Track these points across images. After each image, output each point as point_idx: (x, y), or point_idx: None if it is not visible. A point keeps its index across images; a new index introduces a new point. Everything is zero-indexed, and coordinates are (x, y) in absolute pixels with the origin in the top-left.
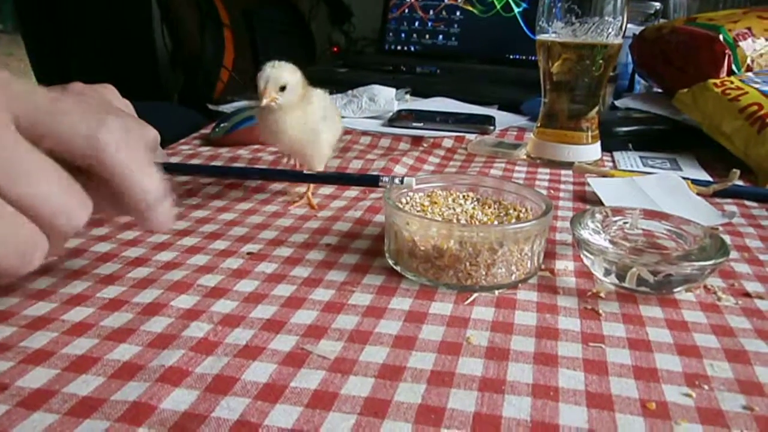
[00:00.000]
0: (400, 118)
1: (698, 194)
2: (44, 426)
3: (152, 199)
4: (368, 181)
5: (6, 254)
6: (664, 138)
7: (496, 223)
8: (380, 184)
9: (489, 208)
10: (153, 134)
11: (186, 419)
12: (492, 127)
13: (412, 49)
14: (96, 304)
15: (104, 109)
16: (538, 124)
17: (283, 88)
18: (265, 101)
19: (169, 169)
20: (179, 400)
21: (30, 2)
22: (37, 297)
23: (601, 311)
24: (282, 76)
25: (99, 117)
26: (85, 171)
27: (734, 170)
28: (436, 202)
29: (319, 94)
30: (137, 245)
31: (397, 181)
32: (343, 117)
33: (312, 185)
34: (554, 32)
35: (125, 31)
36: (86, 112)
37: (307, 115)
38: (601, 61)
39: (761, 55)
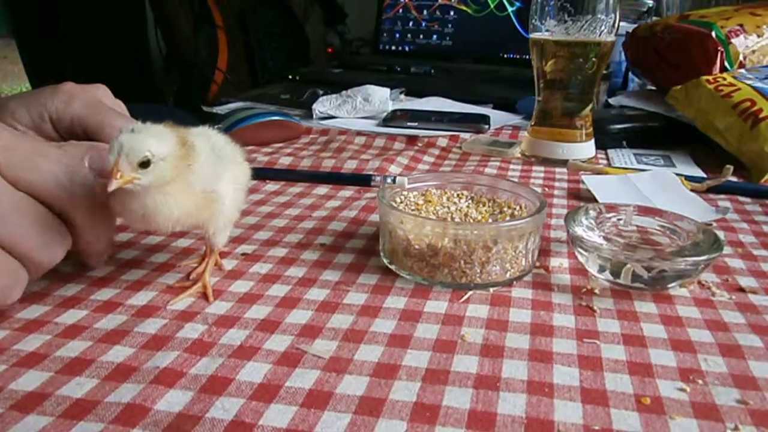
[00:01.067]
0: (394, 117)
1: (692, 190)
2: (38, 429)
3: (103, 251)
4: (361, 180)
5: None
6: (658, 135)
7: (490, 221)
8: (372, 183)
9: (483, 206)
10: None
11: (180, 420)
12: (486, 126)
13: (407, 49)
14: (90, 307)
15: (83, 152)
16: (533, 123)
17: (145, 164)
18: (114, 184)
19: None
20: (173, 401)
21: (24, 6)
22: (31, 300)
23: (595, 307)
24: (143, 147)
25: (74, 172)
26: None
27: (728, 166)
28: (430, 201)
29: (201, 139)
30: (131, 247)
31: (389, 180)
32: (337, 117)
33: (217, 255)
34: (547, 30)
35: (119, 34)
36: (67, 165)
37: (193, 182)
38: (594, 59)
39: (753, 51)
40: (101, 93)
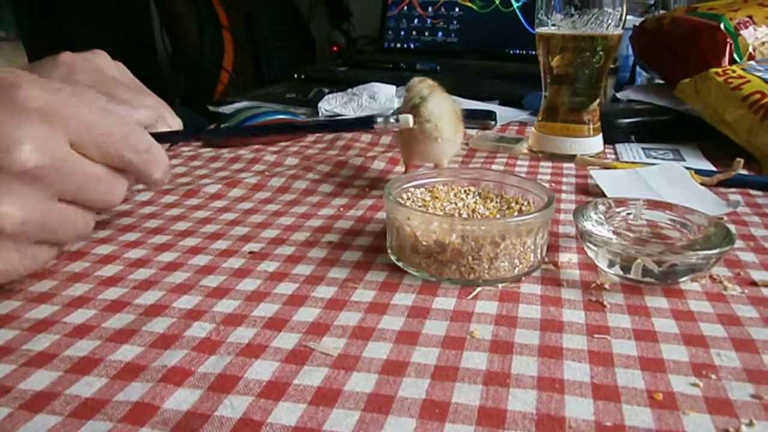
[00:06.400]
0: None
1: (702, 184)
2: (47, 428)
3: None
4: (363, 124)
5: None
6: (667, 129)
7: (498, 216)
8: (375, 126)
9: (491, 201)
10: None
11: (189, 419)
12: (493, 122)
13: (412, 46)
14: (98, 306)
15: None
16: (540, 118)
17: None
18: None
19: (168, 139)
20: (182, 399)
21: (31, 8)
22: (39, 300)
23: (605, 303)
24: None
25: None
26: None
27: (738, 159)
28: (437, 197)
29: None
30: (138, 247)
31: (392, 120)
32: (344, 115)
33: None
34: (554, 25)
35: (126, 36)
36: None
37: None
38: (601, 53)
39: (763, 43)
40: (99, 60)
